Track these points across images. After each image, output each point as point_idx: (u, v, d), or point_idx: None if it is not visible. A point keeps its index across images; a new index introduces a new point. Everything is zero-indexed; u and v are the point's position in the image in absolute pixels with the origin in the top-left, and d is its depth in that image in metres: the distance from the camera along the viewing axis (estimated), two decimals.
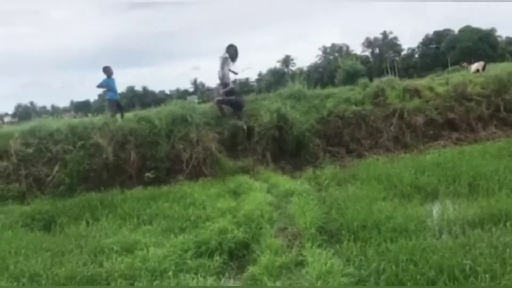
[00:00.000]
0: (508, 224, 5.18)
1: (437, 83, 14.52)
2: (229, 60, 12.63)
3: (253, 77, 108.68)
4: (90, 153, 10.04)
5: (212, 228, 6.01)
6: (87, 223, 7.21)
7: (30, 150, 10.04)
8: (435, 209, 6.40)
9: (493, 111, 12.56)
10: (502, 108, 12.54)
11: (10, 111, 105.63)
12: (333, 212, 6.41)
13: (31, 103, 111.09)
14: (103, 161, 9.92)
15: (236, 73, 13.18)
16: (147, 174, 9.96)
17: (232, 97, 12.19)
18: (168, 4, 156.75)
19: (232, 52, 12.87)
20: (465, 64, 29.48)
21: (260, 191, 7.92)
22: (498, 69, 15.96)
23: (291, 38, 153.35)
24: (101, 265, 5.33)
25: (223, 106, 12.05)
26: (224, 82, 12.54)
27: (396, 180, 7.82)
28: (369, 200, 6.72)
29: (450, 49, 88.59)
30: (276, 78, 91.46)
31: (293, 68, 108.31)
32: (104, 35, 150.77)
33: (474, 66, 23.19)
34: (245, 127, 11.39)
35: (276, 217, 6.47)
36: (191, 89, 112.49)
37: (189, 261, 5.24)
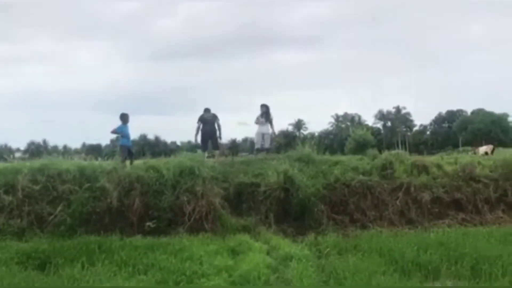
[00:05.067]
0: None
1: (446, 161, 14.54)
2: (259, 118, 14.75)
3: None
4: (95, 196, 10.08)
5: (206, 285, 5.93)
6: (83, 266, 7.15)
7: (36, 187, 10.11)
8: None
9: (500, 195, 12.39)
10: (509, 193, 12.38)
11: (23, 146, 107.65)
12: (331, 281, 6.31)
13: (44, 141, 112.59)
14: (107, 205, 9.94)
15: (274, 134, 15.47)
16: (148, 224, 9.91)
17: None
18: (191, 58, 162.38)
19: (263, 111, 14.82)
20: (472, 148, 29.84)
21: (260, 252, 7.83)
22: (507, 153, 16.03)
23: (305, 103, 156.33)
24: None
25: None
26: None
27: (398, 255, 7.69)
28: (369, 273, 6.62)
29: (462, 129, 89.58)
30: (287, 140, 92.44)
31: (305, 132, 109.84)
32: (125, 81, 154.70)
33: (483, 148, 23.46)
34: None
35: (272, 280, 6.37)
36: None
37: None
